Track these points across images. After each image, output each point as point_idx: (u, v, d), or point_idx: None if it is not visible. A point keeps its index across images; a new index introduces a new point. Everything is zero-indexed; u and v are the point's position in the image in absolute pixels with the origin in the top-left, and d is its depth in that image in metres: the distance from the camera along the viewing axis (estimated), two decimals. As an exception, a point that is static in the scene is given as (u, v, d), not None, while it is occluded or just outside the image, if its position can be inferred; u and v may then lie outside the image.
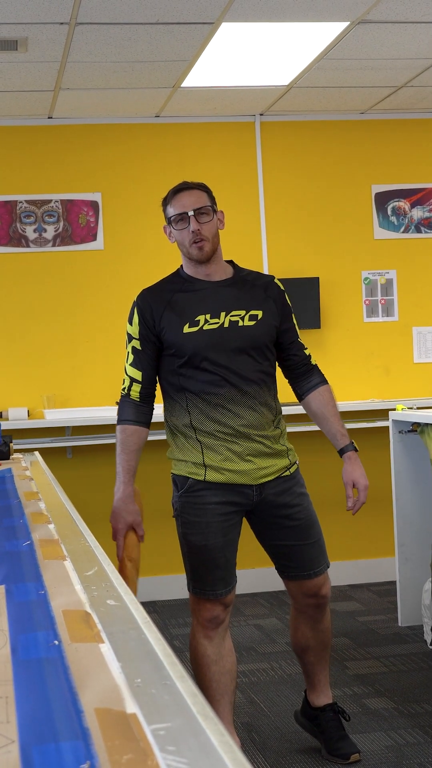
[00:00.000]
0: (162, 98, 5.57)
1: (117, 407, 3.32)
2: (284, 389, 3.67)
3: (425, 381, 6.24)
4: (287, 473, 3.27)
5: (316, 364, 3.41)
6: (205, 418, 3.18)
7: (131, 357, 3.26)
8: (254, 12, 4.32)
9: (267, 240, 6.08)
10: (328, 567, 3.38)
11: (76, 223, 5.87)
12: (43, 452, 5.14)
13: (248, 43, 4.72)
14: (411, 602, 4.97)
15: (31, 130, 5.86)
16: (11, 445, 4.18)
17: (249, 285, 3.30)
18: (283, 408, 3.42)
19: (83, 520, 2.48)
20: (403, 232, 6.22)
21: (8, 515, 2.59)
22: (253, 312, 3.24)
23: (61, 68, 4.92)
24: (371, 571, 6.05)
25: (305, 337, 5.91)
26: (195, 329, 3.18)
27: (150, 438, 3.39)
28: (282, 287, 3.36)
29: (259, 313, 3.24)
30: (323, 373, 3.44)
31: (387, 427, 5.10)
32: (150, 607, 5.65)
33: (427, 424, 4.66)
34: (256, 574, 5.66)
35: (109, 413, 5.62)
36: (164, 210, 3.28)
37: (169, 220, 3.26)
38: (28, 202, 5.83)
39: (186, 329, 3.18)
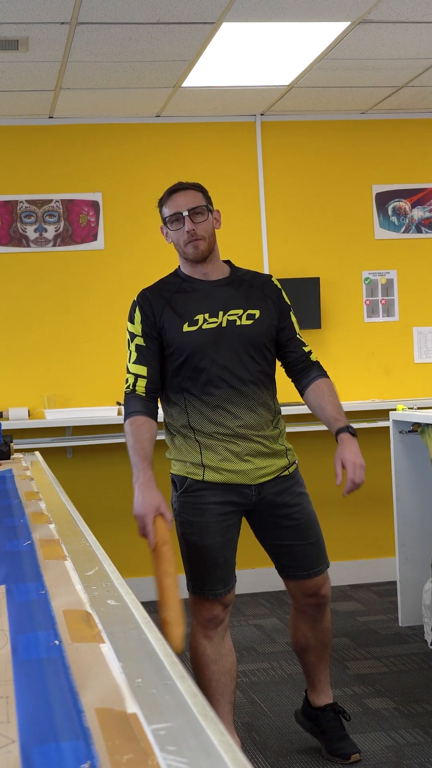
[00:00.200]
0: (163, 98, 5.57)
1: (120, 406, 3.30)
2: (284, 389, 3.67)
3: (426, 381, 6.24)
4: (286, 473, 3.27)
5: (317, 361, 3.39)
6: (203, 419, 3.18)
7: (134, 355, 3.24)
8: (255, 12, 4.32)
9: (267, 240, 6.08)
10: (328, 567, 3.38)
11: (76, 223, 5.88)
12: (44, 452, 5.14)
13: (249, 43, 4.72)
14: (411, 602, 4.97)
15: (32, 130, 5.86)
16: (12, 445, 4.18)
17: (246, 284, 3.30)
18: (282, 408, 3.42)
19: (84, 520, 2.48)
20: (403, 232, 6.22)
21: (9, 515, 2.59)
22: (250, 311, 3.24)
23: (61, 68, 4.93)
24: (372, 571, 6.06)
25: (306, 337, 5.91)
26: (194, 328, 3.19)
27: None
28: (279, 285, 3.36)
29: (257, 312, 3.25)
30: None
31: (387, 427, 5.10)
32: (150, 607, 5.64)
33: (427, 425, 4.66)
34: (256, 574, 5.66)
35: (109, 413, 5.62)
36: (160, 211, 3.29)
37: (164, 221, 3.27)
38: (28, 201, 5.83)
39: (186, 328, 3.18)
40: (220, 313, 3.21)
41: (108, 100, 5.55)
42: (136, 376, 3.21)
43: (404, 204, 6.21)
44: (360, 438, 5.89)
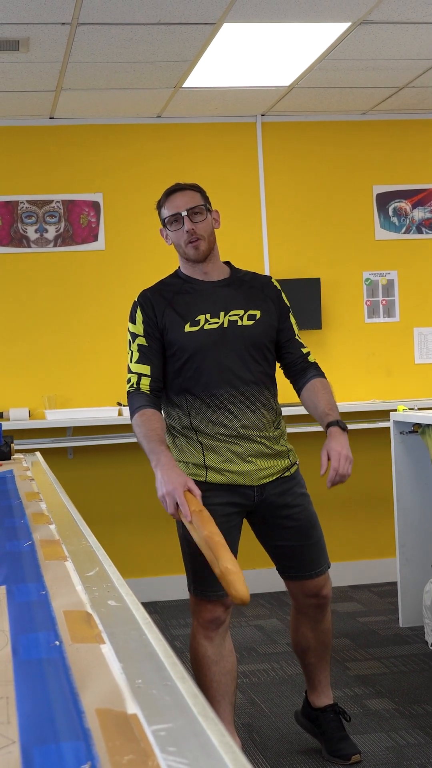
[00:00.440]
0: (163, 99, 5.57)
1: (121, 407, 3.30)
2: (284, 390, 3.67)
3: (426, 382, 6.24)
4: (288, 474, 3.27)
5: (314, 362, 3.39)
6: (205, 420, 3.18)
7: (136, 355, 3.22)
8: (256, 12, 4.32)
9: (268, 240, 6.08)
10: (329, 567, 3.38)
11: (77, 224, 5.88)
12: (44, 453, 5.14)
13: (250, 43, 4.72)
14: (412, 603, 4.97)
15: (33, 131, 5.86)
16: (12, 445, 4.18)
17: (246, 285, 3.30)
18: (283, 409, 3.42)
19: (84, 520, 2.48)
20: (404, 232, 6.22)
21: (9, 516, 2.59)
22: (251, 312, 3.24)
23: (62, 68, 4.93)
24: (372, 572, 6.05)
25: (306, 337, 5.94)
26: (196, 329, 3.19)
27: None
28: (279, 287, 3.37)
29: (257, 313, 3.25)
30: (324, 373, 3.42)
31: (388, 428, 5.10)
32: (151, 607, 5.65)
33: (428, 425, 4.66)
34: (256, 574, 5.66)
35: (110, 414, 5.62)
36: (159, 213, 3.29)
37: (163, 222, 3.27)
38: (29, 202, 5.83)
39: (187, 329, 3.18)
40: (222, 313, 3.21)
41: (109, 100, 5.55)
42: (140, 375, 3.20)
43: (405, 205, 6.21)
44: (360, 439, 5.92)
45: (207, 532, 2.68)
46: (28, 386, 5.82)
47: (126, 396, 3.27)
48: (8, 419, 5.64)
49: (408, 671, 4.33)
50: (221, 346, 3.18)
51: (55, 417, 5.60)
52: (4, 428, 5.02)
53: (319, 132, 6.14)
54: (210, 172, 5.92)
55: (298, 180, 6.13)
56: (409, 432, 4.92)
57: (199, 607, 3.21)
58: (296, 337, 3.36)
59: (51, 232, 5.85)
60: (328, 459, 3.10)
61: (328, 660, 3.49)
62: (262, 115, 6.07)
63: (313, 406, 3.29)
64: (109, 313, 5.88)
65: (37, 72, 4.96)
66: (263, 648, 4.78)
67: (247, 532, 3.33)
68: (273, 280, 3.38)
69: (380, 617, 5.25)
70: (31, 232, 5.83)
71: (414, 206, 6.22)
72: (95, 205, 5.90)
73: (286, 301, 3.36)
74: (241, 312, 3.23)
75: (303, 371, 3.37)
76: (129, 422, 3.30)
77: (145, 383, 3.18)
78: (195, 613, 3.23)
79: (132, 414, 3.15)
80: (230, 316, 3.22)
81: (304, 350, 3.37)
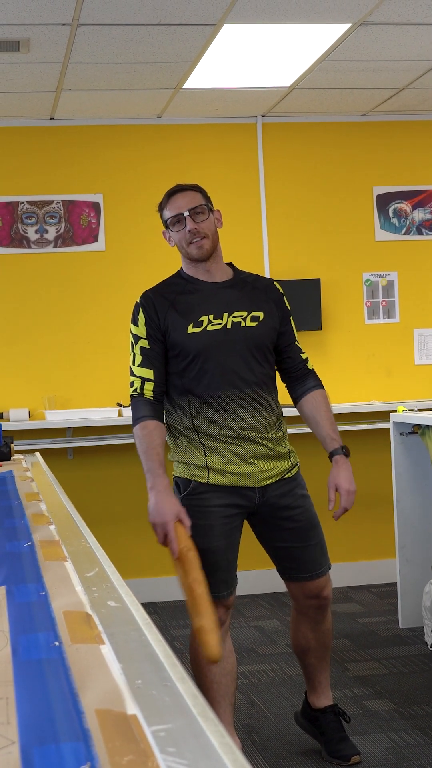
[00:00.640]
0: (164, 99, 5.57)
1: (121, 407, 3.30)
2: (285, 391, 3.67)
3: (426, 383, 6.24)
4: (289, 475, 3.27)
5: (312, 369, 3.41)
6: (208, 421, 3.18)
7: (139, 358, 3.23)
8: (256, 13, 4.32)
9: (268, 241, 6.08)
10: (330, 568, 3.38)
11: (77, 224, 5.88)
12: (44, 453, 5.14)
13: (250, 44, 4.72)
14: (411, 604, 4.97)
15: (33, 131, 5.86)
16: (12, 446, 4.19)
17: (249, 287, 3.30)
18: (283, 410, 3.42)
19: (84, 521, 2.48)
20: (404, 234, 6.22)
21: (9, 516, 2.59)
22: (254, 313, 3.24)
23: (63, 69, 4.93)
24: (372, 573, 6.05)
25: (306, 338, 5.94)
26: (199, 330, 3.18)
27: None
28: (281, 290, 3.37)
29: (261, 314, 3.25)
30: (324, 374, 3.45)
31: (388, 429, 5.10)
32: (150, 608, 5.65)
33: (428, 426, 4.66)
34: (256, 575, 5.66)
35: (110, 414, 5.62)
36: (161, 215, 3.29)
37: (166, 224, 3.26)
38: (29, 203, 5.83)
39: (190, 329, 3.18)
40: (225, 314, 3.21)
41: (109, 101, 5.55)
42: (143, 380, 3.20)
43: (405, 206, 6.21)
44: (360, 440, 5.92)
45: (191, 579, 2.74)
46: (28, 387, 5.83)
47: (129, 399, 3.27)
48: (8, 420, 5.64)
49: (408, 672, 4.33)
50: (224, 347, 3.18)
51: (55, 418, 5.61)
52: (4, 429, 5.02)
53: (320, 133, 6.14)
54: (210, 172, 5.92)
55: (298, 181, 6.13)
56: (409, 433, 4.92)
57: (199, 609, 3.21)
58: (296, 343, 3.37)
59: (51, 233, 5.85)
60: (336, 490, 3.22)
61: (328, 661, 3.49)
62: (263, 116, 6.07)
63: (314, 422, 3.35)
64: (109, 314, 5.88)
65: (38, 73, 4.96)
66: (263, 649, 4.78)
67: (246, 533, 3.33)
68: (275, 282, 3.39)
69: (380, 618, 5.25)
70: (32, 233, 5.83)
71: (414, 207, 6.22)
72: (95, 206, 5.90)
73: (288, 305, 3.36)
74: (245, 313, 3.23)
75: (302, 379, 3.38)
76: (129, 423, 3.33)
77: (149, 388, 3.19)
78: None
79: (134, 423, 3.18)
80: (234, 317, 3.22)
81: (303, 356, 3.39)
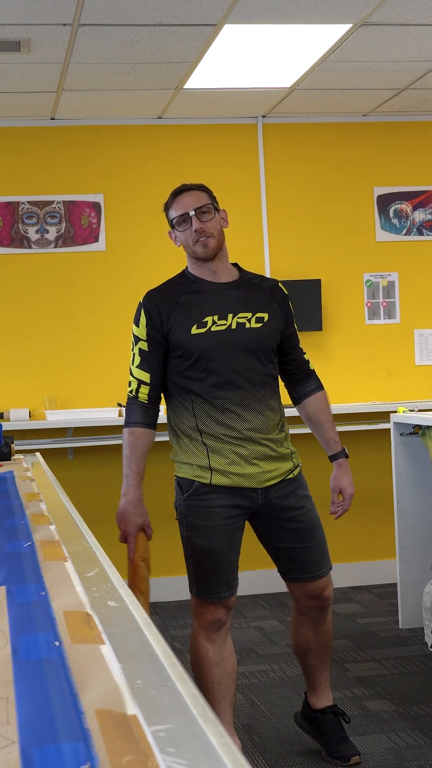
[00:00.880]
0: (165, 100, 5.57)
1: (124, 409, 3.33)
2: (283, 391, 3.67)
3: (427, 383, 6.24)
4: (291, 476, 3.27)
5: (313, 370, 3.43)
6: (211, 421, 3.18)
7: (138, 359, 3.23)
8: (257, 14, 4.32)
9: (269, 241, 6.08)
10: (331, 569, 3.38)
11: (78, 225, 5.88)
12: (45, 453, 5.14)
13: (251, 44, 4.73)
14: (412, 604, 4.97)
15: (34, 131, 5.86)
16: (12, 446, 4.18)
17: (255, 288, 3.30)
18: (285, 410, 3.43)
19: (84, 521, 2.48)
20: (405, 234, 6.22)
21: (9, 516, 2.59)
22: (259, 314, 3.24)
23: (63, 69, 4.93)
24: (372, 573, 6.05)
25: (307, 339, 5.94)
26: (203, 330, 3.18)
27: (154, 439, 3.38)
28: (286, 291, 3.37)
29: (265, 316, 3.25)
30: (325, 375, 3.47)
31: (388, 430, 5.10)
32: (150, 608, 5.64)
33: (428, 427, 4.66)
34: (256, 575, 5.66)
35: (110, 414, 5.62)
36: (166, 215, 3.28)
37: (171, 224, 3.26)
38: (30, 203, 5.83)
39: (194, 330, 3.18)
40: (230, 315, 3.21)
41: (110, 101, 5.55)
42: (140, 382, 3.22)
43: (405, 206, 6.21)
44: (360, 440, 5.92)
45: (135, 590, 2.96)
46: (29, 387, 5.83)
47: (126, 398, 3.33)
48: (8, 420, 5.64)
49: (408, 673, 4.33)
50: (228, 348, 3.18)
51: (56, 417, 5.61)
52: (4, 429, 5.02)
53: (320, 133, 6.14)
54: (211, 173, 5.92)
55: (298, 181, 6.13)
56: (410, 433, 4.92)
57: (200, 609, 3.21)
58: (299, 345, 3.38)
59: (52, 233, 5.85)
60: (339, 493, 3.40)
61: (328, 661, 3.49)
62: (263, 117, 6.07)
63: (317, 425, 3.43)
64: (109, 314, 5.88)
65: (39, 73, 4.96)
66: (263, 649, 4.78)
67: (247, 533, 3.33)
68: (281, 284, 3.38)
69: (380, 618, 5.25)
70: (32, 233, 5.83)
71: (415, 208, 6.22)
72: (96, 206, 5.90)
73: (291, 308, 3.37)
74: (249, 314, 3.23)
75: (304, 380, 3.40)
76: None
77: (144, 392, 3.21)
78: (196, 615, 3.23)
79: (125, 425, 3.27)
80: (238, 318, 3.21)
81: (305, 357, 3.44)
